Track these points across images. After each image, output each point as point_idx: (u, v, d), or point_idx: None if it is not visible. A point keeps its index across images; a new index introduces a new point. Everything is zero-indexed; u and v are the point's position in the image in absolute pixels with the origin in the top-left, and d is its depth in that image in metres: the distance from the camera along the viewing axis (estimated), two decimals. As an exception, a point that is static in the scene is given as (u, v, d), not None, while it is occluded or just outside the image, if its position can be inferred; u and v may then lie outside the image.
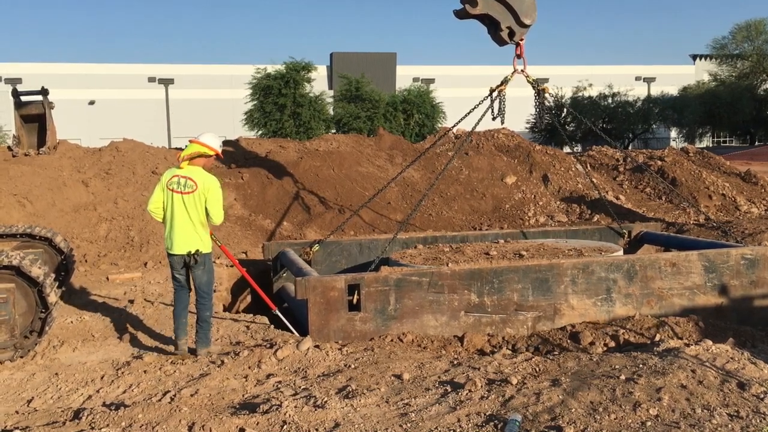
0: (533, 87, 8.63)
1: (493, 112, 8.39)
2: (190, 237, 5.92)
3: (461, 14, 8.11)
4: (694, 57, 66.83)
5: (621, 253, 8.69)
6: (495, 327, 7.05)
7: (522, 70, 8.50)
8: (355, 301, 6.73)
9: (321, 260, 9.22)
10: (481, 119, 8.21)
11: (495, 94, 8.43)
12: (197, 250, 5.94)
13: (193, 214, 5.90)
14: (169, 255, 6.05)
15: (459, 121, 9.01)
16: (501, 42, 8.30)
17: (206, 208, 5.94)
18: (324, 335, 6.61)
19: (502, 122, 8.43)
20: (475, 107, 8.46)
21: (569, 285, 7.25)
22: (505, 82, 8.46)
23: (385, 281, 6.82)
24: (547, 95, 8.73)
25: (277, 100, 25.15)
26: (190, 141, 6.07)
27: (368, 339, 6.69)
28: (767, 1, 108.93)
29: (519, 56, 8.48)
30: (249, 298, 9.46)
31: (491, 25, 8.25)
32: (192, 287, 6.16)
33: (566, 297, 7.25)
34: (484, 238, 10.00)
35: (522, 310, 7.13)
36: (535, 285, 7.16)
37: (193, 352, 6.11)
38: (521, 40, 8.32)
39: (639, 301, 7.46)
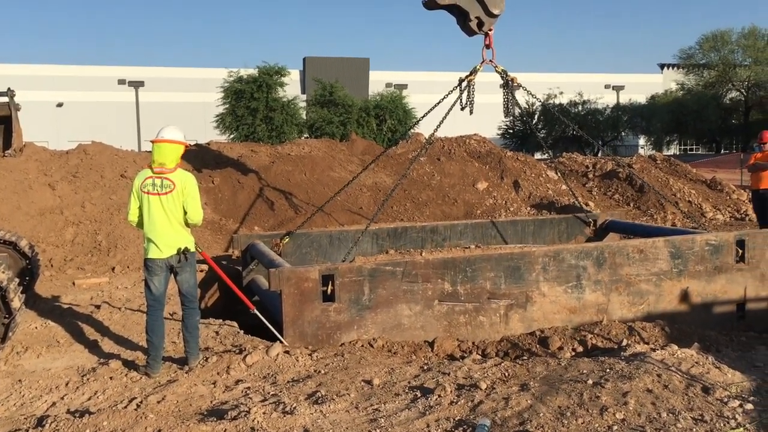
0: (502, 77, 8.65)
1: (461, 102, 8.42)
2: (174, 238, 5.57)
3: (430, 5, 8.13)
4: (662, 66, 68.01)
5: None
6: (468, 315, 7.12)
7: (491, 60, 8.54)
8: (329, 291, 6.71)
9: (291, 252, 9.21)
10: (449, 112, 8.09)
11: (464, 84, 8.47)
12: (186, 248, 5.62)
13: (173, 214, 5.55)
14: (151, 261, 5.59)
15: (428, 112, 8.91)
16: (470, 32, 8.35)
17: (183, 207, 5.59)
18: (298, 326, 6.59)
19: (471, 112, 8.41)
20: (444, 97, 8.48)
21: (541, 272, 7.36)
22: (474, 71, 8.50)
23: (360, 271, 6.82)
24: (516, 84, 8.71)
25: (250, 104, 24.97)
26: (155, 142, 5.60)
27: (343, 329, 6.71)
28: (733, 12, 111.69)
29: (488, 47, 8.51)
30: (216, 296, 9.39)
31: (460, 15, 8.28)
32: (177, 292, 5.85)
33: (538, 284, 7.35)
34: (454, 228, 10.15)
35: (495, 298, 7.20)
36: (507, 273, 7.24)
37: (183, 363, 5.81)
38: (490, 30, 8.36)
39: (608, 287, 7.59)
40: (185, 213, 5.64)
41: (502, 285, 7.23)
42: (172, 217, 5.57)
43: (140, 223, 5.69)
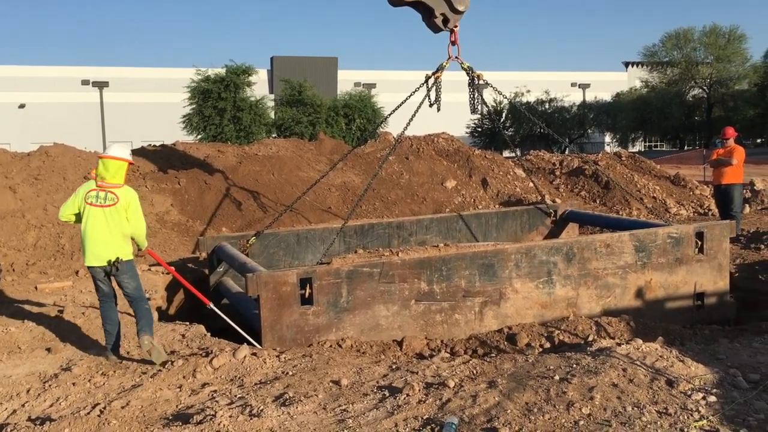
0: (467, 73, 8.67)
1: (429, 99, 8.42)
2: (109, 248, 5.92)
3: (395, 2, 8.12)
4: (627, 64, 69.07)
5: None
6: (444, 314, 7.17)
7: (456, 57, 8.56)
8: (307, 294, 6.68)
9: (258, 253, 9.14)
10: (417, 110, 8.12)
11: (431, 81, 8.47)
12: (117, 258, 5.95)
13: (115, 227, 5.94)
14: (89, 268, 6.04)
15: (394, 111, 8.84)
16: (435, 29, 8.35)
17: (128, 222, 6.02)
18: (277, 331, 6.56)
19: (438, 109, 8.43)
20: (411, 95, 8.48)
21: (513, 269, 7.44)
22: (440, 68, 8.51)
23: (337, 273, 6.80)
24: (482, 81, 8.72)
25: (217, 104, 24.77)
26: (103, 158, 6.02)
27: (322, 332, 6.71)
28: (695, 10, 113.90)
29: (453, 43, 8.51)
30: (182, 300, 9.27)
31: (425, 12, 8.28)
32: (122, 295, 6.13)
33: (511, 281, 7.43)
34: (420, 223, 10.22)
35: (470, 295, 7.26)
36: (481, 271, 7.31)
37: (148, 364, 5.90)
38: (455, 26, 8.36)
39: (577, 281, 7.71)
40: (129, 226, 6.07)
41: (477, 283, 7.29)
42: (114, 228, 5.97)
43: (71, 221, 6.20)
